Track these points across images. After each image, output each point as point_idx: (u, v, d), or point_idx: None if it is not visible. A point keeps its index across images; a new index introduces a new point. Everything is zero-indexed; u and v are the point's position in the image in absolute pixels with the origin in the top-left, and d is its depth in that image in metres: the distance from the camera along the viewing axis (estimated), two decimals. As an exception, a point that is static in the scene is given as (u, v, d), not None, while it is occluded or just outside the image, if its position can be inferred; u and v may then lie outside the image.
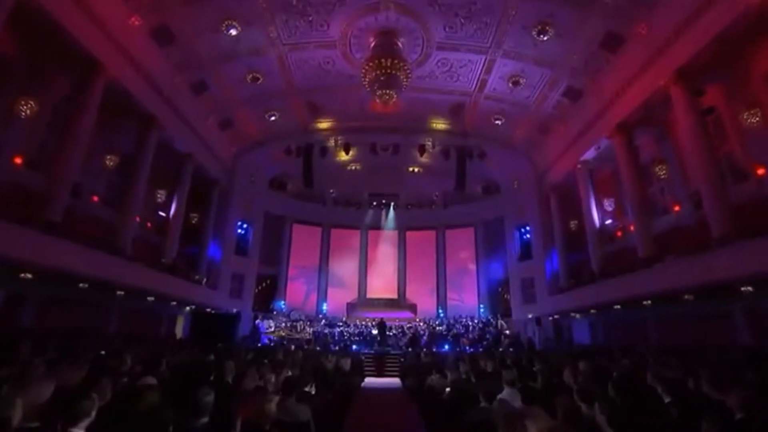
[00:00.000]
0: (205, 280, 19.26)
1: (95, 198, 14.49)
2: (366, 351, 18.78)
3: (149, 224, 18.09)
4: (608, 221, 18.73)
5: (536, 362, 8.82)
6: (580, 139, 18.78)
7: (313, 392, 4.65)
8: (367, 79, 16.93)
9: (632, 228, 16.04)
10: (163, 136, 17.26)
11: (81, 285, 10.85)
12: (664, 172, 13.88)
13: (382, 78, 16.51)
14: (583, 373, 5.15)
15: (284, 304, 25.28)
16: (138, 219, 16.45)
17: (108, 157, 14.12)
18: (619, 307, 14.24)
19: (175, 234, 18.39)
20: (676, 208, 14.21)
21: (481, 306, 25.58)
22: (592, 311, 16.17)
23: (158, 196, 18.16)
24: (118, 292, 12.67)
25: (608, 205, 18.21)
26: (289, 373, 4.98)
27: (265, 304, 24.63)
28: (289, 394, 3.58)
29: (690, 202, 13.71)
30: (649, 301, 12.37)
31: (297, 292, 26.66)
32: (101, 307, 13.74)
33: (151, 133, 16.24)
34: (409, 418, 7.44)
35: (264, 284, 25.28)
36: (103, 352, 6.99)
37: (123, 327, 14.40)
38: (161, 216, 18.76)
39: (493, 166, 24.61)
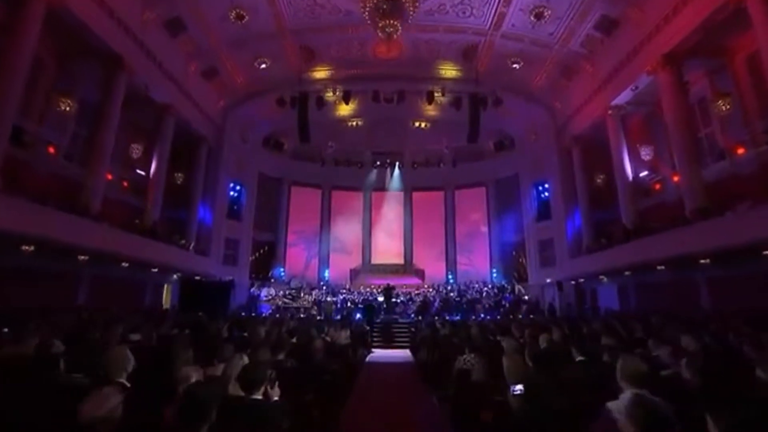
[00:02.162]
0: (192, 245, 17.48)
1: (51, 149, 12.43)
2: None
3: (126, 183, 16.14)
4: (643, 173, 16.54)
5: (585, 330, 7.03)
6: (613, 80, 16.32)
7: (277, 395, 2.77)
8: (367, 9, 14.49)
9: (675, 179, 13.88)
10: (136, 82, 15.11)
11: (24, 248, 9.03)
12: (727, 106, 11.46)
13: (384, 6, 14.08)
14: (706, 360, 3.27)
15: (284, 272, 23.73)
16: (110, 177, 14.53)
17: (63, 100, 11.93)
18: (663, 267, 12.28)
19: (156, 194, 16.43)
20: (740, 151, 11.93)
21: (494, 270, 23.82)
22: (626, 273, 14.27)
23: (135, 151, 16.12)
24: (81, 257, 10.87)
25: (645, 154, 15.93)
26: (245, 360, 3.12)
27: (263, 271, 23.09)
28: (193, 424, 1.69)
29: (754, 144, 11.48)
30: (708, 260, 10.39)
31: (297, 258, 25.00)
32: (65, 276, 11.97)
33: (119, 76, 14.04)
34: (430, 416, 5.53)
35: (262, 251, 23.64)
36: (6, 329, 5.24)
37: (96, 298, 12.69)
38: (140, 174, 16.75)
39: (507, 117, 22.14)
